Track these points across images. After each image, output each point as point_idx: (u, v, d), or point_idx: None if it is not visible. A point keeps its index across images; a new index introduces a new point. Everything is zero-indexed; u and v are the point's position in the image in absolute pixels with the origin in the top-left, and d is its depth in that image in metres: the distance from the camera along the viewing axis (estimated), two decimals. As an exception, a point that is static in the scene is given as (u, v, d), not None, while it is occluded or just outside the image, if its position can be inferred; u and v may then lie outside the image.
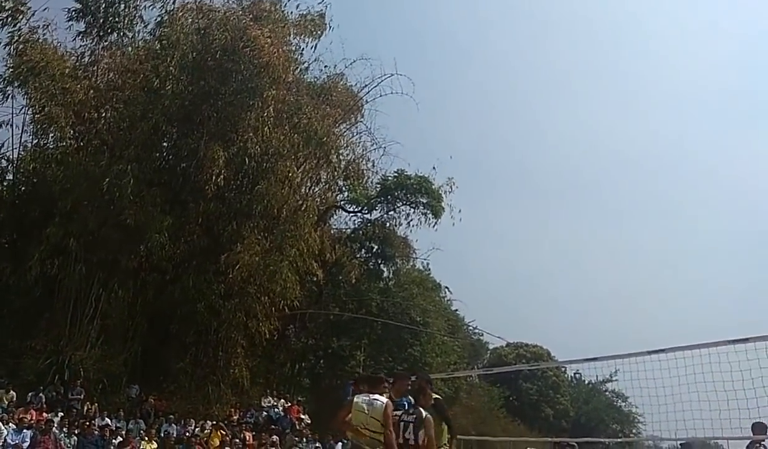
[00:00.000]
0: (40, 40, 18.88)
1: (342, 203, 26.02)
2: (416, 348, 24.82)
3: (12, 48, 18.53)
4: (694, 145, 59.03)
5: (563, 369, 37.35)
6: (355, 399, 6.37)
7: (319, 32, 21.41)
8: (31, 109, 19.36)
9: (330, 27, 21.52)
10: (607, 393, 37.91)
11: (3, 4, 18.23)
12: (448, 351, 26.82)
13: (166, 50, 19.31)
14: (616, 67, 60.89)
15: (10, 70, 18.74)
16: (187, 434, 16.77)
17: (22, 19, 18.61)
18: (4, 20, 18.36)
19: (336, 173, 23.47)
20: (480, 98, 58.51)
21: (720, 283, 48.11)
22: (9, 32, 18.52)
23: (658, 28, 60.51)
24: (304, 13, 21.54)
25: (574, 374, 38.05)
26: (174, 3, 20.31)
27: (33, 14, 18.80)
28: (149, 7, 20.70)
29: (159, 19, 20.45)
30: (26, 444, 13.49)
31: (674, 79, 61.24)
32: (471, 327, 34.93)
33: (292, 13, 21.66)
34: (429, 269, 29.00)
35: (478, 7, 60.15)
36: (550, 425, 33.85)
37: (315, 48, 21.80)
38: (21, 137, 19.82)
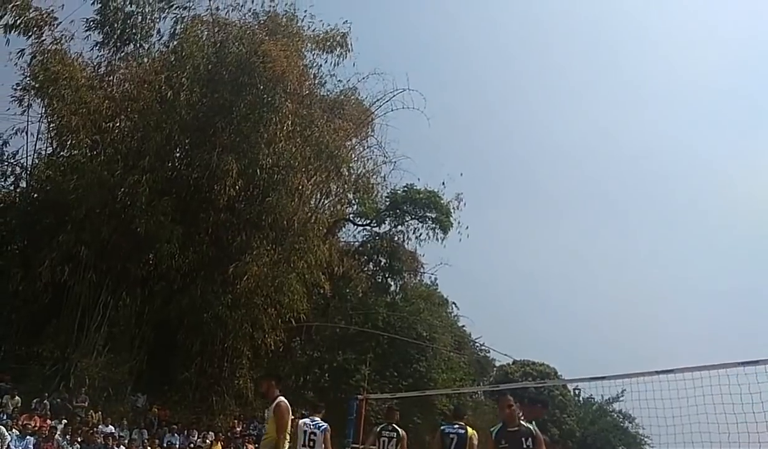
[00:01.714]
0: (62, 51, 19.18)
1: (351, 216, 26.12)
2: (422, 363, 24.68)
3: (35, 59, 18.80)
4: (709, 154, 58.03)
5: (577, 391, 37.00)
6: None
7: (340, 51, 21.52)
8: (47, 118, 19.68)
9: (351, 48, 21.60)
10: (613, 414, 37.40)
11: (27, 15, 18.51)
12: (454, 367, 26.63)
13: (181, 62, 19.58)
14: (627, 75, 60.61)
15: (29, 79, 19.08)
16: (190, 445, 16.73)
17: (45, 28, 18.91)
18: (29, 30, 18.62)
19: (346, 186, 23.64)
20: (492, 114, 58.57)
21: (736, 298, 47.22)
22: (33, 42, 18.80)
23: (669, 33, 60.19)
24: (326, 30, 21.74)
25: (588, 397, 37.63)
26: (189, 14, 20.63)
27: (57, 25, 19.13)
28: (165, 18, 21.00)
29: (173, 30, 20.75)
30: (29, 451, 13.51)
31: (685, 85, 60.69)
32: (477, 344, 34.78)
33: (308, 28, 21.90)
34: (436, 285, 28.97)
35: (491, 22, 60.52)
36: (555, 445, 33.43)
37: (336, 65, 21.97)
38: (35, 144, 20.19)
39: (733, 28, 58.07)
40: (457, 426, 7.89)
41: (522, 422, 5.81)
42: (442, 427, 8.20)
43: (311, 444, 7.83)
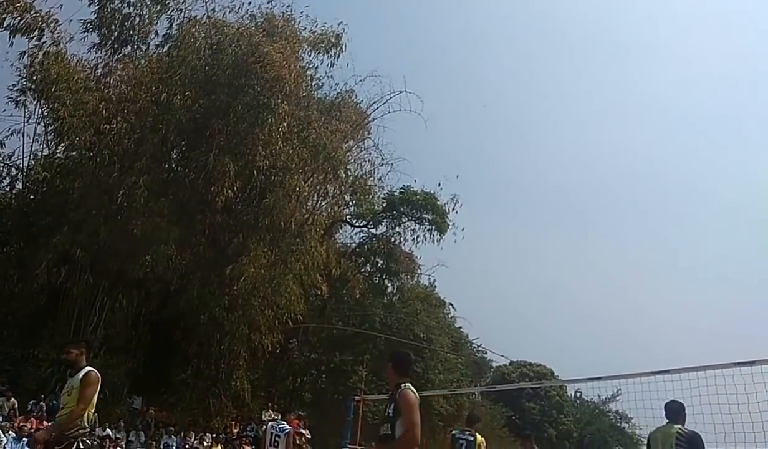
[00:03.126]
0: (62, 53, 19.09)
1: (348, 217, 26.12)
2: (419, 364, 24.68)
3: (36, 60, 18.68)
4: (707, 166, 58.48)
5: (578, 393, 37.14)
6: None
7: (334, 52, 21.52)
8: (45, 119, 19.61)
9: (345, 48, 21.57)
10: (610, 414, 37.53)
11: (28, 16, 18.41)
12: (451, 368, 26.70)
13: (177, 63, 19.52)
14: (629, 81, 60.88)
15: (26, 81, 19.01)
16: (187, 447, 16.71)
17: (46, 30, 18.83)
18: (30, 31, 18.53)
19: (343, 188, 23.61)
20: (489, 117, 58.87)
21: (729, 305, 47.62)
22: (34, 44, 18.70)
23: (683, 47, 60.44)
24: (321, 32, 21.72)
25: (589, 400, 37.72)
26: (186, 16, 20.56)
27: (57, 26, 19.02)
28: (161, 20, 20.95)
29: (169, 32, 20.70)
30: (26, 453, 13.47)
31: (695, 99, 61.00)
32: (475, 345, 34.84)
33: (305, 29, 21.86)
34: (434, 286, 29.01)
35: (490, 24, 60.77)
36: (552, 446, 33.55)
37: (331, 66, 21.93)
38: (32, 146, 20.12)
39: (742, 42, 58.34)
40: (467, 432, 8.42)
41: (402, 385, 4.55)
42: (453, 433, 8.72)
43: (275, 444, 8.85)
